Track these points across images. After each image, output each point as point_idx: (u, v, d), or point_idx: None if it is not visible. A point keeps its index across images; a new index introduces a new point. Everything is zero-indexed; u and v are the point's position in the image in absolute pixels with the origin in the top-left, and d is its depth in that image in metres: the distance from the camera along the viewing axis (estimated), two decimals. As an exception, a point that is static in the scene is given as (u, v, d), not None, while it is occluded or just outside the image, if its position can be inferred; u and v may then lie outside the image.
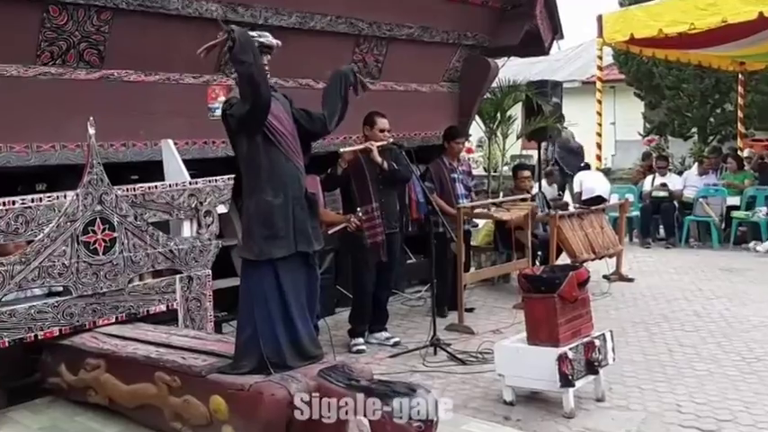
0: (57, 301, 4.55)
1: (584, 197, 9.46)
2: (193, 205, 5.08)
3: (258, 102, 3.78)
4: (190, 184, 5.11)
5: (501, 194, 9.15)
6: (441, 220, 6.59)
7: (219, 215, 5.14)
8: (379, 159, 6.19)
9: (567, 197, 11.30)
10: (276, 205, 3.90)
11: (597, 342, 4.87)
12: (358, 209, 6.09)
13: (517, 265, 7.37)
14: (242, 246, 4.00)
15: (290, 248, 3.91)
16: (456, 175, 7.44)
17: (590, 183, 10.46)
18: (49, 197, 4.47)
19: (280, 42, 3.98)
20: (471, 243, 8.23)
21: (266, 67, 3.94)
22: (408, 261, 8.29)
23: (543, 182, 11.40)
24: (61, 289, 4.61)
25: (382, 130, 6.35)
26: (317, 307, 4.21)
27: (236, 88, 4.00)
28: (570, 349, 4.70)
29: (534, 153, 11.38)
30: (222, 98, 5.80)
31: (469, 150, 13.04)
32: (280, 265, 3.90)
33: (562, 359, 4.60)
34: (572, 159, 12.74)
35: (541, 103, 9.76)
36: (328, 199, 7.06)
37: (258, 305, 3.89)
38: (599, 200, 8.87)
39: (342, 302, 7.33)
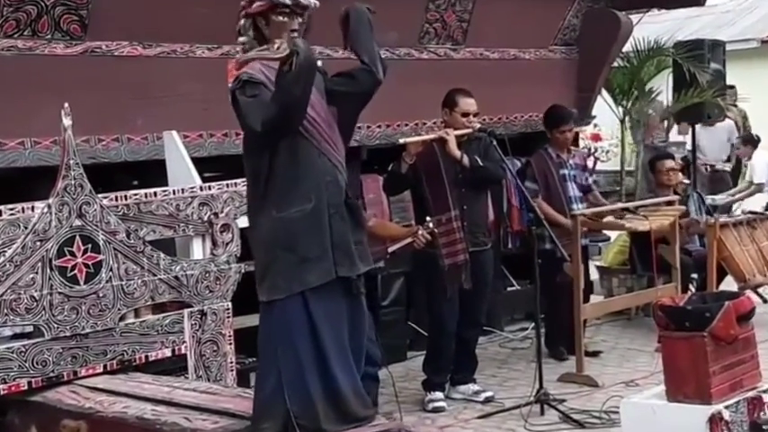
0: (24, 345, 4.55)
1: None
2: (206, 218, 5.12)
3: (288, 125, 3.84)
4: (201, 189, 5.15)
5: (637, 196, 9.30)
6: (548, 233, 6.57)
7: (241, 230, 5.15)
8: (456, 153, 6.25)
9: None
10: (304, 216, 3.92)
11: (766, 398, 4.87)
12: (428, 218, 6.13)
13: (661, 293, 7.20)
14: (259, 285, 4.01)
15: (326, 274, 3.93)
16: (567, 172, 7.48)
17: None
18: (12, 210, 4.51)
19: (317, 2, 4.05)
20: (596, 263, 8.38)
21: (294, 32, 3.99)
22: (509, 288, 8.44)
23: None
24: (31, 329, 4.64)
25: (466, 114, 6.41)
26: (366, 350, 4.25)
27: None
28: (727, 408, 4.67)
29: (688, 140, 11.21)
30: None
31: (596, 137, 12.94)
32: (311, 295, 3.91)
33: (715, 421, 4.58)
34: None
35: (695, 70, 9.73)
36: (396, 206, 7.27)
37: (283, 348, 3.91)
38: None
39: (416, 344, 7.44)
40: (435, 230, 6.06)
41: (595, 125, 11.94)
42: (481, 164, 6.30)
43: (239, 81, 3.94)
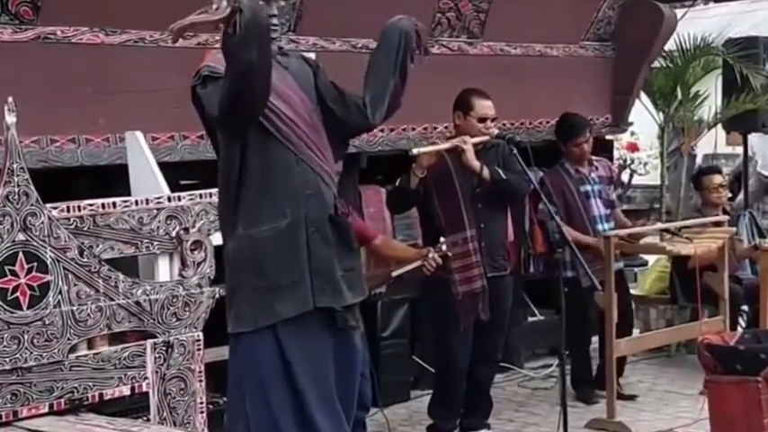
0: (-47, 381, 4.49)
1: None
2: (174, 233, 5.03)
3: (248, 100, 3.77)
4: (169, 200, 5.06)
5: (679, 214, 9.36)
6: (569, 258, 6.68)
7: (216, 248, 5.00)
8: (475, 164, 6.19)
9: None
10: (276, 235, 3.90)
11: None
12: (441, 240, 6.10)
13: (706, 328, 7.13)
14: (227, 313, 4.04)
15: (302, 304, 3.91)
16: (590, 188, 7.50)
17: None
18: (-63, 223, 4.48)
19: None
20: (631, 291, 8.29)
21: (274, 25, 3.95)
22: (531, 319, 8.47)
23: None
24: (-39, 362, 4.54)
25: (483, 119, 6.35)
26: (357, 394, 4.26)
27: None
28: (782, 465, 4.89)
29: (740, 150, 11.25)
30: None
31: (633, 147, 12.87)
32: (283, 329, 3.90)
33: (769, 480, 4.67)
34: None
35: (749, 72, 9.60)
36: (400, 224, 7.22)
37: (251, 391, 3.93)
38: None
39: (421, 382, 7.43)
40: (449, 254, 6.05)
41: (632, 133, 11.95)
42: (504, 176, 6.25)
43: (199, 77, 3.95)
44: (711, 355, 4.89)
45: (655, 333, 8.15)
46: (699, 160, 13.70)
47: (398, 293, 7.22)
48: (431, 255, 5.97)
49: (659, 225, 7.92)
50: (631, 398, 7.38)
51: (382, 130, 7.17)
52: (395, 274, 6.05)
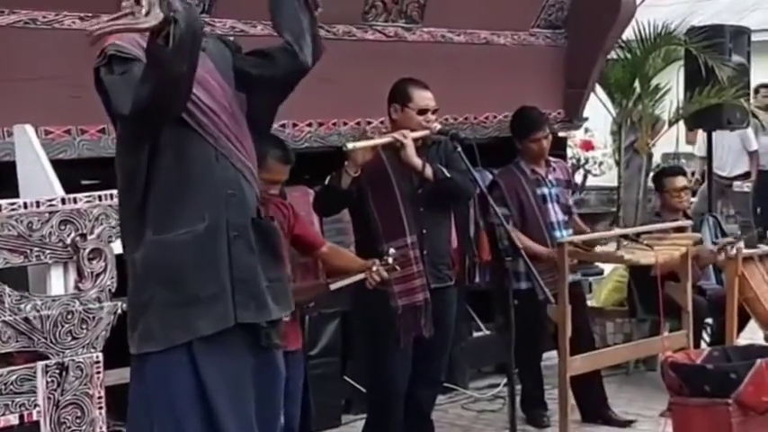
0: None
1: None
2: (69, 240, 4.90)
3: (168, 105, 3.72)
4: (63, 202, 4.93)
5: (637, 218, 9.48)
6: (524, 269, 6.57)
7: (118, 257, 4.88)
8: (416, 161, 6.16)
9: None
10: (193, 240, 3.83)
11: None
12: (391, 251, 5.99)
13: (668, 343, 7.16)
14: (130, 332, 3.97)
15: (223, 319, 3.86)
16: (547, 191, 7.45)
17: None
18: None
19: None
20: (587, 302, 8.27)
21: None
22: (476, 334, 8.43)
23: None
24: None
25: (423, 111, 6.31)
26: (281, 420, 4.33)
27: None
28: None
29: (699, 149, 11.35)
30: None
31: (588, 146, 12.93)
32: (200, 347, 3.83)
33: None
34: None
35: (714, 63, 9.62)
36: (330, 228, 7.17)
37: (161, 420, 3.87)
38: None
39: (354, 405, 7.39)
40: (396, 267, 5.94)
41: (587, 130, 12.01)
42: (448, 175, 6.23)
43: (104, 56, 3.85)
44: (676, 374, 4.92)
45: (613, 349, 8.01)
46: (657, 159, 13.78)
47: (329, 306, 7.15)
48: (375, 268, 5.85)
49: (617, 231, 7.88)
50: (629, 423, 7.35)
51: (310, 125, 7.12)
52: (333, 287, 5.90)
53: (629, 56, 9.83)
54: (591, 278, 9.83)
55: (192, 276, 3.82)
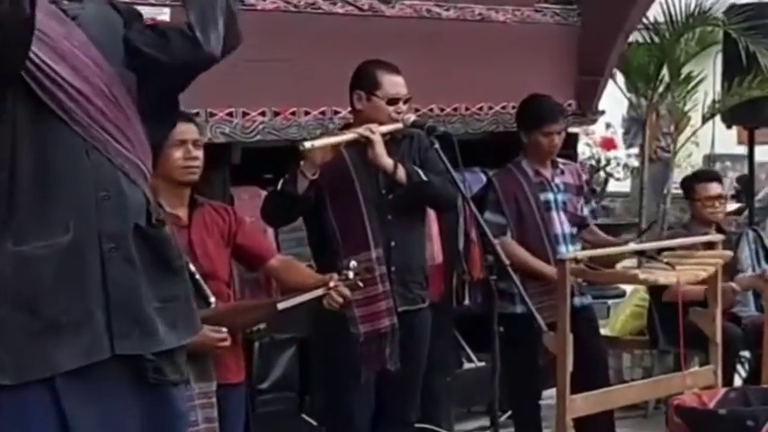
0: None
1: None
2: None
3: None
4: None
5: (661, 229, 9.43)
6: (517, 290, 6.36)
7: None
8: (387, 161, 6.15)
9: None
10: (54, 254, 3.65)
11: None
12: (353, 263, 5.85)
13: (692, 380, 7.06)
14: None
15: (92, 350, 3.69)
16: (552, 197, 7.42)
17: None
18: None
19: None
20: (599, 330, 8.12)
21: None
22: (466, 366, 8.57)
23: None
24: None
25: (394, 101, 6.29)
26: None
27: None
28: None
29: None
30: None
31: (609, 144, 12.87)
32: (64, 384, 3.64)
33: None
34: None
35: (756, 49, 9.66)
36: (288, 238, 7.16)
37: None
38: None
39: None
40: (359, 284, 5.83)
41: (608, 125, 12.09)
42: (425, 178, 6.21)
43: None
44: (683, 420, 4.97)
45: (625, 387, 7.93)
46: (698, 161, 13.84)
47: (283, 331, 7.19)
48: (333, 284, 5.68)
49: (631, 246, 7.76)
50: None
51: (263, 114, 7.05)
52: (281, 306, 5.70)
53: (655, 38, 9.90)
54: (610, 301, 9.95)
55: (51, 299, 3.62)
